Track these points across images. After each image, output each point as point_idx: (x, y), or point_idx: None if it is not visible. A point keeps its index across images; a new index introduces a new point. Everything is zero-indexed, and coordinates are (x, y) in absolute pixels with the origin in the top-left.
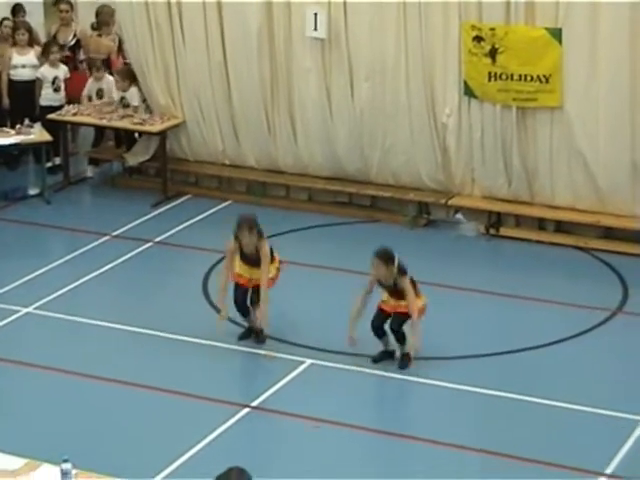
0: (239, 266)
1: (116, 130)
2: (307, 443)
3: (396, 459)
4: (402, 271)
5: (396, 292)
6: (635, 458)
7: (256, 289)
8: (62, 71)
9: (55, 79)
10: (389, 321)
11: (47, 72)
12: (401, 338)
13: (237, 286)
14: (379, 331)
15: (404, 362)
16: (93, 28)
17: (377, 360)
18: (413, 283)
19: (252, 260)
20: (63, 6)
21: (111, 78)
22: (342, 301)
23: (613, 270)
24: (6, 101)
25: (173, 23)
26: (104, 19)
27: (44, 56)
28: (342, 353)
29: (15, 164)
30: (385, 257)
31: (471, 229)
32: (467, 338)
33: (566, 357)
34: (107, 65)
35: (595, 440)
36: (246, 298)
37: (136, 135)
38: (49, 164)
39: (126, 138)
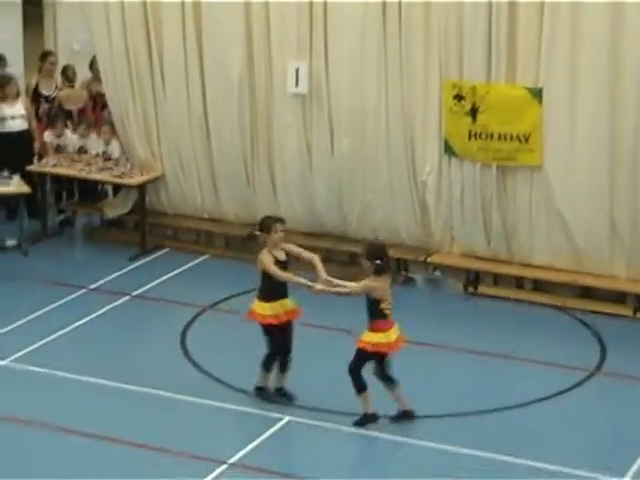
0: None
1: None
2: None
3: None
4: (376, 271)
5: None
6: None
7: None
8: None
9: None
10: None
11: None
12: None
13: (275, 328)
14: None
15: (360, 420)
16: (65, 79)
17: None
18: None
19: (286, 266)
20: (53, 58)
21: (93, 135)
22: (319, 357)
23: (591, 330)
24: None
25: (154, 76)
26: (71, 73)
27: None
28: (321, 410)
29: None
30: (366, 249)
31: (450, 287)
32: (444, 397)
33: (544, 417)
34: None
35: None
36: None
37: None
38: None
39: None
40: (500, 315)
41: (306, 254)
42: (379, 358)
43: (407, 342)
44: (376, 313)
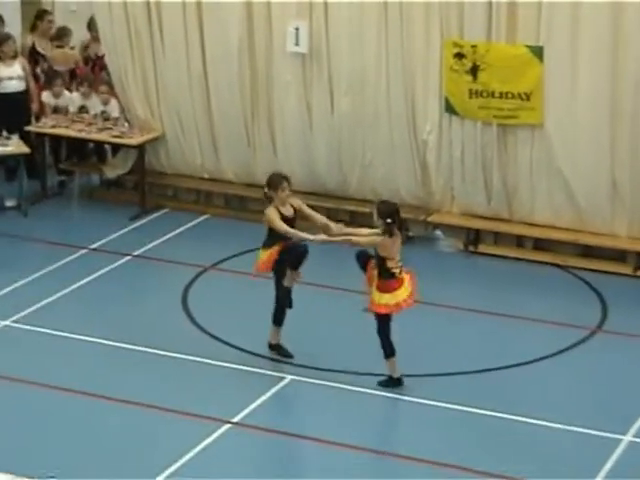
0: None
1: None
2: (288, 460)
3: (377, 476)
4: (386, 230)
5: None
6: (616, 477)
7: None
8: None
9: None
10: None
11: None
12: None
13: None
14: None
15: (385, 382)
16: (52, 39)
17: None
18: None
19: (292, 222)
20: (50, 17)
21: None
22: (321, 316)
23: (592, 288)
24: None
25: (153, 36)
26: (66, 31)
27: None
28: (323, 369)
29: None
30: (378, 208)
31: (450, 246)
32: (445, 355)
33: (545, 375)
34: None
35: (575, 459)
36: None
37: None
38: None
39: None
40: (501, 274)
41: (318, 217)
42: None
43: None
44: (383, 271)
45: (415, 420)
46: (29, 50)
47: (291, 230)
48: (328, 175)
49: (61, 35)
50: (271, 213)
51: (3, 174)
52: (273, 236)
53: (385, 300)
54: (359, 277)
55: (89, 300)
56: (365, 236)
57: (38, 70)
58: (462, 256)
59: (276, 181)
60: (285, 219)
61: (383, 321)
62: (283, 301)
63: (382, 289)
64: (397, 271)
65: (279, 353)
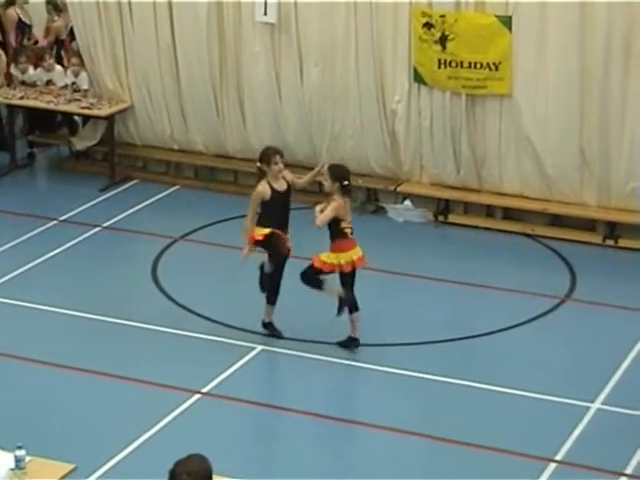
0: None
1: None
2: (258, 429)
3: (344, 445)
4: (344, 192)
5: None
6: (584, 444)
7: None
8: None
9: None
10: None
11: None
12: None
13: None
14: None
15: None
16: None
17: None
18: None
19: (287, 197)
20: None
21: (59, 67)
22: (290, 286)
23: (561, 257)
24: None
25: (122, 5)
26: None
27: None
28: (292, 339)
29: None
30: (332, 170)
31: (419, 216)
32: (414, 325)
33: (514, 344)
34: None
35: (544, 427)
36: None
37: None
38: None
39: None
40: (470, 243)
41: (307, 177)
42: (348, 276)
43: (377, 271)
44: (337, 232)
45: (383, 390)
46: (16, 23)
47: (248, 223)
48: (297, 146)
49: (59, 7)
50: (257, 194)
51: None
52: (266, 215)
53: (344, 259)
54: (324, 245)
55: (59, 272)
56: (323, 212)
57: (25, 41)
58: (431, 226)
59: (269, 155)
60: (278, 193)
61: (315, 273)
62: (267, 283)
63: (337, 250)
64: (349, 231)
65: (271, 332)
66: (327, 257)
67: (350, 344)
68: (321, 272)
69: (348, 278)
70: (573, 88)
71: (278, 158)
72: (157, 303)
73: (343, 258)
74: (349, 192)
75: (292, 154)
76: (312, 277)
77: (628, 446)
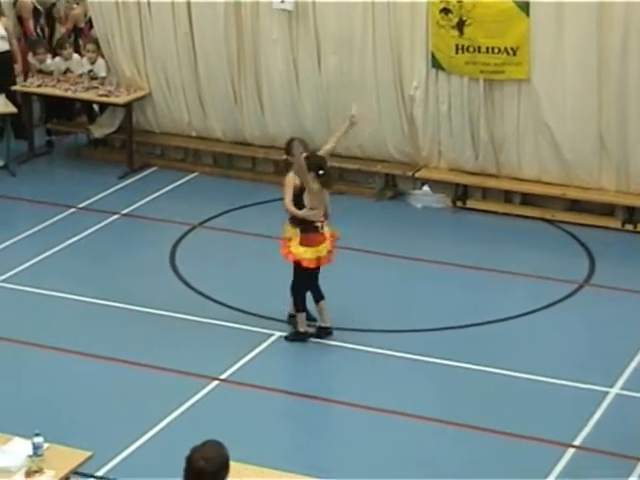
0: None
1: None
2: (276, 416)
3: (364, 431)
4: (323, 182)
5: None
6: (603, 430)
7: None
8: None
9: None
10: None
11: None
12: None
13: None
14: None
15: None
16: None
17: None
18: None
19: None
20: None
21: (76, 56)
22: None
23: (580, 242)
24: None
25: None
26: None
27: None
28: (310, 325)
29: None
30: (308, 162)
31: (438, 201)
32: (433, 310)
33: (533, 329)
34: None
35: (563, 412)
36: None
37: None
38: None
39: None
40: (489, 229)
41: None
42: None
43: (395, 257)
44: (306, 225)
45: (401, 376)
46: (32, 9)
47: (292, 209)
48: (315, 132)
49: None
50: (286, 184)
51: None
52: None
53: (309, 254)
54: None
55: (77, 259)
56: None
57: (39, 29)
58: (450, 212)
59: (294, 146)
60: (301, 187)
61: (302, 276)
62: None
63: (305, 243)
64: (320, 225)
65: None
66: (305, 252)
67: (321, 333)
68: (313, 270)
69: (305, 275)
70: (591, 72)
71: (302, 149)
72: (175, 290)
73: (310, 253)
74: (327, 182)
75: (310, 141)
76: (302, 294)
77: None
